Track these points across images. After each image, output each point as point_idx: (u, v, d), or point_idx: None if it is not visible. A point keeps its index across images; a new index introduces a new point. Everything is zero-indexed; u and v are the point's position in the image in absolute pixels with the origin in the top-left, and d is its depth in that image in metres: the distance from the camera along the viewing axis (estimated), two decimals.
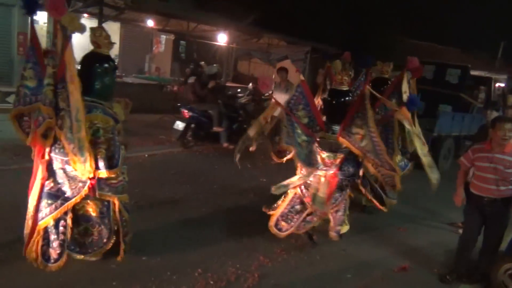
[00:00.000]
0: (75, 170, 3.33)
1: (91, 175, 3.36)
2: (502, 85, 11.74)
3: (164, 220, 4.87)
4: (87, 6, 9.36)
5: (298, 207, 4.67)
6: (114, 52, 16.62)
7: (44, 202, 3.44)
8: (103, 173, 3.41)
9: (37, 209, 3.43)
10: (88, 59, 3.56)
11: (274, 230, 4.65)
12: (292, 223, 4.67)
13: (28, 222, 3.47)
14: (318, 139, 4.50)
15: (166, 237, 4.46)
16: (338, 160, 4.45)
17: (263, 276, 3.96)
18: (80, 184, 3.44)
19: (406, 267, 4.55)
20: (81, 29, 3.37)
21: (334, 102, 4.58)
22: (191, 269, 3.89)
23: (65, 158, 3.37)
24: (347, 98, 4.56)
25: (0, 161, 6.20)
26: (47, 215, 3.42)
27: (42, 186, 3.45)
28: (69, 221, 3.53)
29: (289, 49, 15.87)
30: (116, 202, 3.64)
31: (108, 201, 3.63)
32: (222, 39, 13.95)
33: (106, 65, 3.58)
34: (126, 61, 15.43)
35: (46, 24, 10.44)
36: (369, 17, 19.04)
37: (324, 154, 4.48)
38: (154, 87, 12.60)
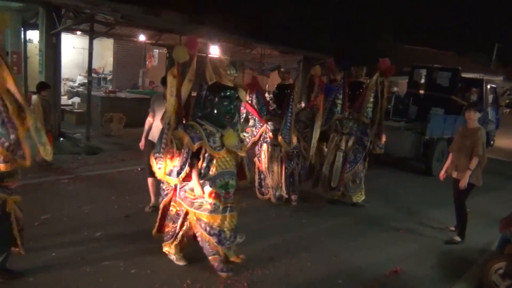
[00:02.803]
0: None
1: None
2: (494, 86, 11.74)
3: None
4: (78, 23, 9.42)
5: (262, 176, 6.44)
6: (108, 68, 16.75)
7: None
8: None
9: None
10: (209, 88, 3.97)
11: (258, 195, 6.50)
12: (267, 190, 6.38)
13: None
14: (267, 121, 6.14)
15: (155, 249, 4.43)
16: (280, 136, 5.89)
17: (253, 284, 3.95)
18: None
19: (398, 271, 4.53)
20: (183, 58, 3.86)
21: (280, 93, 6.23)
22: (180, 280, 3.89)
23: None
24: (288, 90, 5.99)
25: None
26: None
27: None
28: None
29: (282, 58, 15.99)
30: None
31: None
32: (214, 50, 14.05)
33: (222, 94, 3.85)
34: (120, 76, 15.54)
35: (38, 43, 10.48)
36: (362, 24, 19.18)
37: (271, 133, 6.11)
38: (147, 101, 12.59)
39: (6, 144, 3.19)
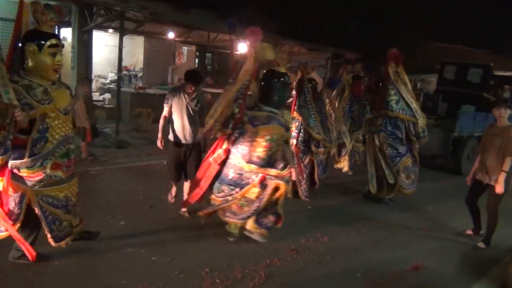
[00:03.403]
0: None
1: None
2: None
3: (176, 223, 4.98)
4: (109, 20, 9.67)
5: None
6: (139, 65, 17.11)
7: (224, 187, 4.46)
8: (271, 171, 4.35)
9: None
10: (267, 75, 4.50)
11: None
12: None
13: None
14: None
15: (178, 238, 4.55)
16: (291, 130, 5.68)
17: (270, 275, 3.98)
18: (253, 177, 4.35)
19: (419, 266, 4.46)
20: (267, 56, 4.39)
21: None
22: (199, 268, 3.96)
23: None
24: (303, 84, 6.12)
25: None
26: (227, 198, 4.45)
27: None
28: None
29: (310, 56, 15.93)
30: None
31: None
32: (242, 48, 14.12)
33: (282, 79, 4.38)
34: (150, 73, 15.83)
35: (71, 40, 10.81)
36: (392, 21, 18.85)
37: None
38: None
39: None
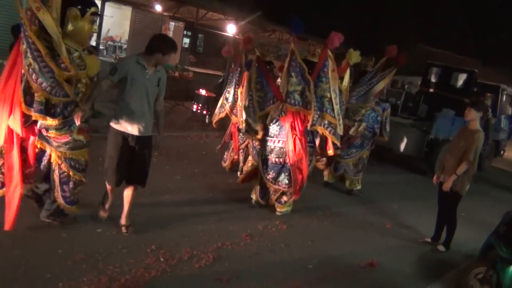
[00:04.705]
0: None
1: None
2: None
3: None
4: None
5: None
6: (125, 36, 16.72)
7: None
8: None
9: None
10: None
11: None
12: None
13: None
14: None
15: (130, 213, 4.34)
16: None
17: (219, 258, 3.84)
18: None
19: (374, 263, 4.36)
20: (357, 60, 5.36)
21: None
22: (144, 244, 3.80)
23: None
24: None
25: None
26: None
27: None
28: None
29: (298, 45, 15.68)
30: None
31: None
32: (231, 29, 13.86)
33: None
34: (135, 45, 15.43)
35: None
36: (386, 19, 18.74)
37: None
38: None
39: (48, 88, 3.24)
